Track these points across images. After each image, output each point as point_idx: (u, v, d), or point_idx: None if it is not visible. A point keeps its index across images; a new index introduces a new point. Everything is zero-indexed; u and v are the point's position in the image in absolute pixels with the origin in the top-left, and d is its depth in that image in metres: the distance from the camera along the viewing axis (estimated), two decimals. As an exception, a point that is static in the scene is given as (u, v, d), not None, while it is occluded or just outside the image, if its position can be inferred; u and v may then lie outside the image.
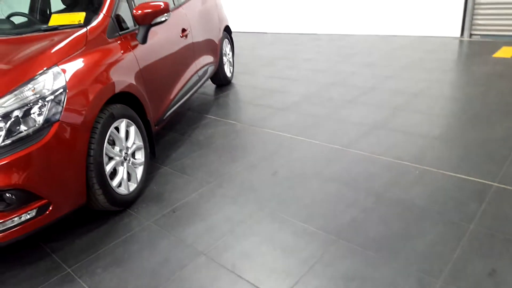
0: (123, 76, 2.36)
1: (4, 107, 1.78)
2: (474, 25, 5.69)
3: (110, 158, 2.24)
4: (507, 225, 1.91)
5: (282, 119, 3.52)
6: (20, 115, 1.80)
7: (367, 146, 2.85)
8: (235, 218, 2.19)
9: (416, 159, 2.60)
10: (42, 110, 1.85)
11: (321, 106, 3.73)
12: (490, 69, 4.28)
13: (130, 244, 2.07)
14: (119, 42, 2.47)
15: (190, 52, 3.48)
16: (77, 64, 2.09)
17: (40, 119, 1.84)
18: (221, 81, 4.62)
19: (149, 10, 2.57)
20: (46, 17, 3.06)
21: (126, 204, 2.35)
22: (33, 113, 1.83)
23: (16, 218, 1.81)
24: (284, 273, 1.77)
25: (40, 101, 1.85)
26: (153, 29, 2.73)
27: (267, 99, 4.09)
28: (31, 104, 1.83)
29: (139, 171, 2.50)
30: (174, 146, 3.20)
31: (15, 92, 1.83)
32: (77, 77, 2.04)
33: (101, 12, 2.45)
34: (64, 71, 1.99)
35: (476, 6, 5.59)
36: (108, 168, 2.19)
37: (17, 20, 2.92)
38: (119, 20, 2.54)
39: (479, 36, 5.70)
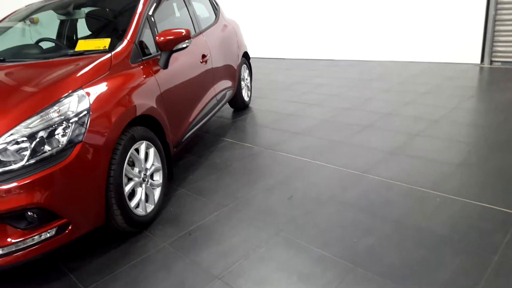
0: (144, 100, 2.42)
1: (31, 127, 1.85)
2: (494, 51, 5.66)
3: (129, 179, 2.27)
4: (533, 257, 1.83)
5: (299, 143, 3.53)
6: (45, 136, 1.86)
7: (385, 172, 2.81)
8: (251, 242, 2.17)
9: (436, 186, 2.55)
10: (66, 131, 1.91)
11: (337, 130, 3.73)
12: (511, 96, 4.21)
13: (146, 266, 2.07)
14: (141, 67, 2.55)
15: (209, 77, 3.57)
16: (101, 88, 2.16)
17: (63, 140, 1.89)
18: (239, 105, 4.68)
19: (171, 37, 2.66)
20: (72, 43, 3.20)
21: (143, 225, 2.37)
22: (57, 134, 1.89)
23: (36, 237, 1.84)
24: (300, 300, 1.73)
25: (64, 122, 1.92)
26: (174, 54, 2.82)
27: (284, 123, 4.12)
28: (55, 125, 1.89)
29: (157, 193, 2.52)
30: (191, 168, 3.23)
31: (41, 114, 1.90)
32: (101, 100, 2.11)
33: (125, 38, 2.55)
34: (88, 94, 2.07)
35: (496, 33, 5.57)
36: (127, 189, 2.23)
37: (45, 45, 3.06)
38: (142, 46, 2.64)
39: (499, 63, 5.65)
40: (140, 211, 2.33)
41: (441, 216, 2.23)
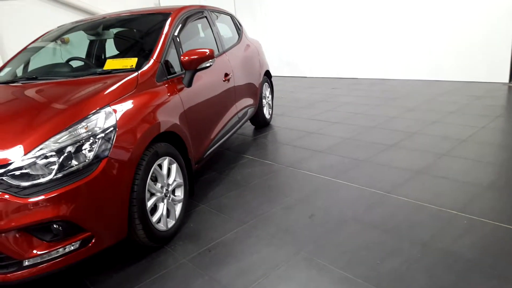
0: (168, 117, 2.47)
1: (59, 143, 1.92)
2: (523, 70, 5.50)
3: (152, 194, 2.30)
4: None
5: (320, 161, 3.49)
6: (72, 151, 1.92)
7: (410, 192, 2.74)
8: (271, 261, 2.14)
9: (465, 208, 2.46)
10: (93, 146, 1.97)
11: (361, 149, 3.67)
12: (543, 115, 4.07)
13: (166, 282, 2.07)
14: (166, 85, 2.62)
15: (231, 95, 3.61)
16: (127, 105, 2.23)
17: (90, 155, 1.95)
18: (260, 122, 4.71)
19: (196, 57, 2.73)
20: (101, 62, 3.33)
21: (163, 240, 2.38)
22: (84, 149, 1.95)
23: (61, 249, 1.88)
24: (321, 323, 1.69)
25: (91, 138, 1.97)
26: (198, 73, 2.88)
27: (306, 141, 4.10)
28: (83, 141, 1.95)
29: (178, 208, 2.54)
30: (212, 185, 3.24)
31: (70, 129, 1.97)
32: (127, 116, 2.17)
33: (152, 58, 2.63)
34: (115, 111, 2.13)
35: (525, 51, 5.43)
36: (149, 203, 2.25)
37: (75, 64, 3.18)
38: (167, 65, 2.72)
39: (529, 82, 5.49)
40: (161, 226, 2.34)
41: (471, 239, 2.14)
